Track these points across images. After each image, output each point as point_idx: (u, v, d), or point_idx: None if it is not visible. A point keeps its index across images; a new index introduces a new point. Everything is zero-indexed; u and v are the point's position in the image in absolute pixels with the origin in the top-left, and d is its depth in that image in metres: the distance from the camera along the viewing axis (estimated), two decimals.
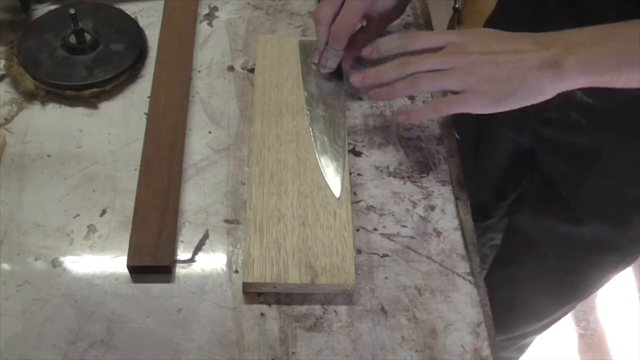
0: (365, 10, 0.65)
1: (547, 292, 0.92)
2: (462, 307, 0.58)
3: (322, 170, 0.62)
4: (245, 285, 0.55)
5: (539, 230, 0.82)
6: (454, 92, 0.58)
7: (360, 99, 0.72)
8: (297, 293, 0.56)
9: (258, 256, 0.56)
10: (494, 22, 0.78)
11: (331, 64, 0.68)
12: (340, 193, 0.60)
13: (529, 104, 0.57)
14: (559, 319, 1.01)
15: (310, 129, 0.65)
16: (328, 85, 0.69)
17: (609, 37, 0.53)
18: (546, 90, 0.55)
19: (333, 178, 0.62)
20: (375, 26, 0.68)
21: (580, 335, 1.66)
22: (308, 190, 0.60)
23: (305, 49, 0.72)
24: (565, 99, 0.58)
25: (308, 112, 0.67)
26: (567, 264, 0.84)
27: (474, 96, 0.56)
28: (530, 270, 0.89)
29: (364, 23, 0.66)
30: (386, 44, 0.62)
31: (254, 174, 0.61)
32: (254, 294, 0.56)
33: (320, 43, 0.67)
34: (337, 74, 0.70)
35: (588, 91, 0.60)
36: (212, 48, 0.75)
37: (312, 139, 0.64)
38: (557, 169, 0.75)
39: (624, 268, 0.87)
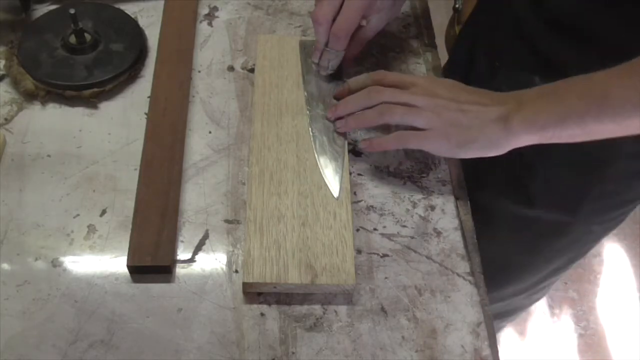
0: (364, 10, 0.65)
1: (512, 268, 0.93)
2: (462, 307, 0.58)
3: (321, 170, 0.62)
4: (245, 285, 0.55)
5: (498, 210, 0.82)
6: (417, 129, 0.60)
7: None
8: (297, 293, 0.56)
9: (258, 256, 0.56)
10: (473, 22, 0.79)
11: (332, 65, 0.68)
12: (339, 193, 0.60)
13: (485, 155, 0.60)
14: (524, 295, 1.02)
15: (310, 129, 0.65)
16: (328, 85, 0.69)
17: (552, 93, 0.56)
18: (500, 143, 0.58)
19: (332, 178, 0.62)
20: (374, 25, 0.68)
21: (580, 335, 1.66)
22: (308, 190, 0.60)
23: (306, 49, 0.72)
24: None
25: (308, 112, 0.67)
26: (525, 245, 0.86)
27: (438, 136, 0.59)
28: (493, 248, 0.89)
29: (364, 22, 0.66)
30: (356, 83, 0.65)
31: (254, 174, 0.61)
32: (254, 294, 0.56)
33: (320, 44, 0.67)
34: (337, 74, 0.70)
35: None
36: (212, 48, 0.75)
37: (312, 139, 0.64)
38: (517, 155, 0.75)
39: (579, 254, 0.91)
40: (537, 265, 0.91)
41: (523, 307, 1.14)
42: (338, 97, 0.67)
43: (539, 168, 0.73)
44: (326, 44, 0.66)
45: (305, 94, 0.68)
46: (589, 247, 0.93)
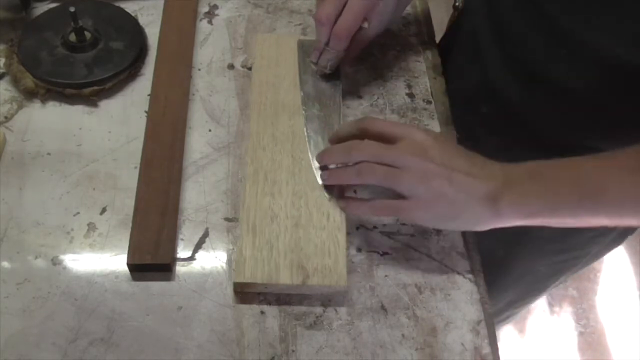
0: (367, 11, 0.64)
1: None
2: (462, 305, 0.58)
3: (314, 172, 0.61)
4: (236, 285, 0.55)
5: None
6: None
7: (360, 97, 0.72)
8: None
9: (250, 256, 0.55)
10: (456, 29, 0.79)
11: (332, 65, 0.68)
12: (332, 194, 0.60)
13: (464, 229, 0.59)
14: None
15: (305, 129, 0.65)
16: (325, 85, 0.69)
17: (542, 176, 0.52)
18: (486, 222, 0.54)
19: None
20: (375, 27, 0.68)
21: (580, 334, 1.66)
22: (302, 191, 0.60)
23: (304, 48, 0.72)
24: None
25: (303, 112, 0.66)
26: None
27: (419, 208, 0.54)
28: None
29: (366, 24, 0.65)
30: (343, 131, 0.60)
31: (248, 173, 0.61)
32: (254, 292, 0.56)
33: (321, 43, 0.66)
34: (335, 74, 0.70)
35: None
36: (212, 46, 0.75)
37: (307, 139, 0.64)
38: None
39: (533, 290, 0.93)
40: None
41: None
42: (330, 142, 0.63)
43: None
44: (326, 44, 0.66)
45: (302, 93, 0.68)
46: (542, 287, 0.93)
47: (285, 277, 0.54)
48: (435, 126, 0.70)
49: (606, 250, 0.84)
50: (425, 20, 0.81)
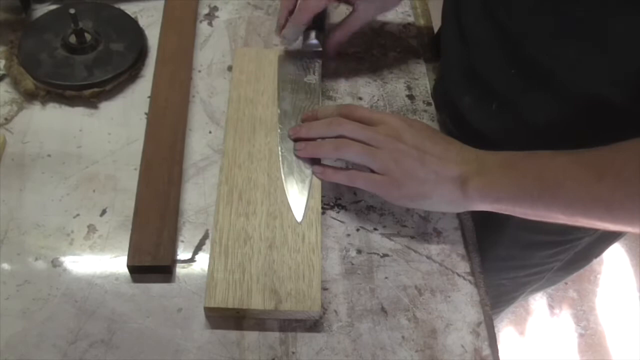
0: None
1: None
2: (462, 306, 0.58)
3: (286, 192, 0.60)
4: (206, 310, 0.54)
5: None
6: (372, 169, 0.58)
7: (360, 98, 0.72)
8: None
9: (221, 279, 0.54)
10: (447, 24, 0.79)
11: (293, 39, 0.68)
12: (302, 216, 0.58)
13: (436, 210, 0.60)
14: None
15: (279, 148, 0.63)
16: (303, 103, 0.67)
17: (513, 166, 0.53)
18: (456, 203, 0.56)
19: (296, 200, 0.59)
20: (361, 14, 0.67)
21: (581, 335, 1.66)
22: (277, 211, 0.58)
23: (284, 63, 0.70)
24: None
25: (279, 130, 0.64)
26: None
27: (390, 184, 0.56)
28: None
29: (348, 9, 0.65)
30: (324, 112, 0.62)
31: (222, 193, 0.59)
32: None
33: (283, 14, 0.67)
34: (315, 90, 0.68)
35: None
36: (212, 48, 0.75)
37: (280, 158, 0.62)
38: None
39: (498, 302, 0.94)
40: None
41: None
42: (304, 121, 0.64)
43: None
44: (290, 14, 0.66)
45: (279, 111, 0.66)
46: (510, 298, 0.94)
47: (258, 302, 0.53)
48: (435, 127, 0.70)
49: (572, 269, 0.85)
50: (425, 21, 0.81)
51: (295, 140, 0.62)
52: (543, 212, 0.52)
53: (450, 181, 0.55)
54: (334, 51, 0.72)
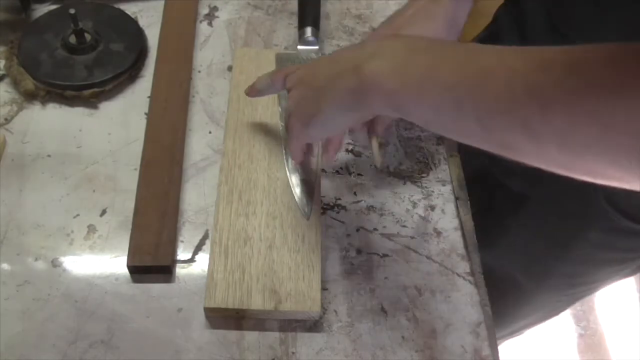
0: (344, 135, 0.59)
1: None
2: (462, 307, 0.58)
3: (292, 189, 0.60)
4: (206, 310, 0.54)
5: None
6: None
7: None
8: None
9: (221, 280, 0.54)
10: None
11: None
12: (310, 214, 0.59)
13: (332, 125, 0.49)
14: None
15: (282, 146, 0.63)
16: None
17: (426, 51, 0.42)
18: (348, 101, 0.46)
19: (303, 198, 0.59)
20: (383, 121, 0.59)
21: (580, 335, 1.66)
22: (277, 211, 0.58)
23: (282, 63, 0.70)
24: None
25: (281, 127, 0.64)
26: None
27: (293, 122, 0.52)
28: None
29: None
30: (260, 81, 0.59)
31: (222, 193, 0.59)
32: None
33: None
34: None
35: None
36: (212, 48, 0.75)
37: (284, 155, 0.62)
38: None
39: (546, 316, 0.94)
40: (500, 322, 0.87)
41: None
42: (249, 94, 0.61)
43: (511, 223, 0.72)
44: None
45: (279, 109, 0.66)
46: (559, 311, 0.96)
47: (257, 302, 0.53)
48: None
49: (621, 279, 0.85)
50: None
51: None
52: (452, 114, 0.39)
53: (342, 74, 0.45)
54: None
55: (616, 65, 0.32)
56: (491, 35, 0.75)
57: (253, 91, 0.60)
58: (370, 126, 0.57)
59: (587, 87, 0.32)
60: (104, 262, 0.57)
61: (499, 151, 0.39)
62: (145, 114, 0.67)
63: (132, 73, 0.70)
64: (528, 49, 0.37)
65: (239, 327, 0.54)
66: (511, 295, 0.84)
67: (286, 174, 0.61)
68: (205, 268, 0.57)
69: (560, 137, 0.34)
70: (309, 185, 0.60)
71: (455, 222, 0.63)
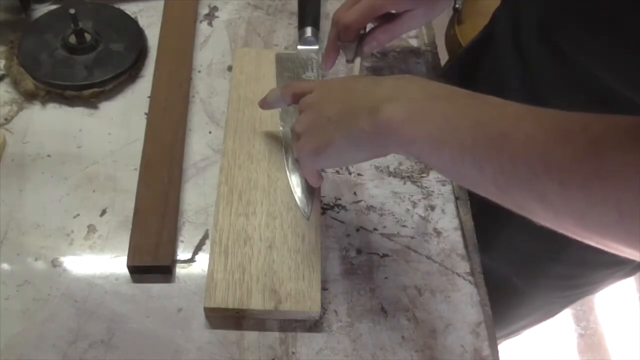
0: (376, 12, 0.61)
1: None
2: (462, 307, 0.58)
3: (292, 189, 0.60)
4: (206, 310, 0.54)
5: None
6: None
7: None
8: None
9: (221, 280, 0.54)
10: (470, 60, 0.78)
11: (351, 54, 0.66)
12: (310, 214, 0.58)
13: (344, 160, 0.52)
14: None
15: (282, 146, 0.63)
16: None
17: (446, 100, 0.42)
18: (363, 142, 0.46)
19: (303, 198, 0.59)
20: (408, 20, 0.64)
21: (580, 335, 1.66)
22: (277, 212, 0.58)
23: (282, 62, 0.70)
24: None
25: (281, 127, 0.64)
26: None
27: (301, 145, 0.52)
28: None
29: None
30: (271, 94, 0.60)
31: (222, 193, 0.59)
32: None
33: (330, 42, 0.64)
34: None
35: None
36: (212, 48, 0.75)
37: (284, 156, 0.62)
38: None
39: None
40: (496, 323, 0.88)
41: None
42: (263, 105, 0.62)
43: (508, 223, 0.72)
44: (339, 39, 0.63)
45: (280, 108, 0.66)
46: (555, 313, 0.96)
47: (257, 302, 0.53)
48: None
49: (617, 281, 0.85)
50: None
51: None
52: (469, 171, 0.40)
53: (358, 112, 0.45)
54: (368, 51, 0.67)
55: (637, 143, 0.31)
56: (489, 36, 0.75)
57: (265, 104, 0.61)
58: (358, 43, 0.63)
59: (606, 168, 0.32)
60: (104, 262, 0.57)
61: (516, 211, 0.39)
62: (145, 114, 0.67)
63: (132, 73, 0.70)
64: (546, 112, 0.37)
65: (239, 327, 0.54)
66: (507, 297, 0.84)
67: (286, 174, 0.61)
68: (205, 268, 0.57)
69: (578, 213, 0.34)
70: (309, 185, 0.60)
71: (455, 222, 0.63)
